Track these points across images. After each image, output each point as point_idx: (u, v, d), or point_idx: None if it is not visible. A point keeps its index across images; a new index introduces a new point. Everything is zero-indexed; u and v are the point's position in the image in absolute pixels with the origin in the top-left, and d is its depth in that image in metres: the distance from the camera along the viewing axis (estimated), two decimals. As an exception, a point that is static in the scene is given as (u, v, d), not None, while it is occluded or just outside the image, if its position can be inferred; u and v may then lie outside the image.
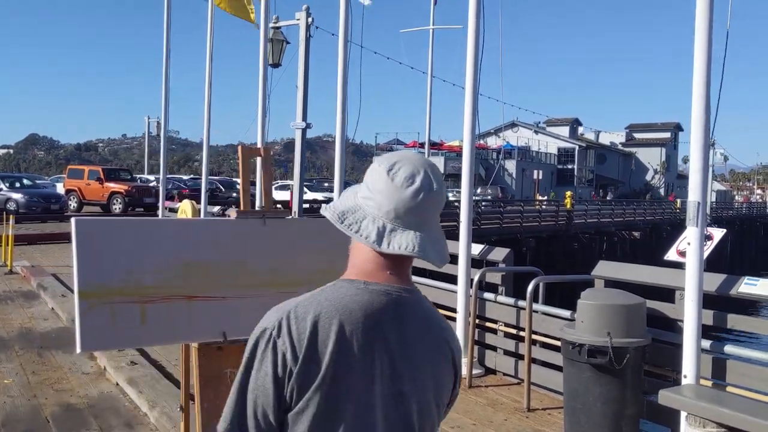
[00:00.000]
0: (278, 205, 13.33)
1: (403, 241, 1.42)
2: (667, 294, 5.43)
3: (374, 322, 1.39)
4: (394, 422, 1.41)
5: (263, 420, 1.36)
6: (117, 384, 6.33)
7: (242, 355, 1.40)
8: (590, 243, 31.21)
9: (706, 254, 4.82)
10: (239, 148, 2.56)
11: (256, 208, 3.20)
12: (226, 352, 2.45)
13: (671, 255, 5.32)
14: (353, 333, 1.37)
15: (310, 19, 17.31)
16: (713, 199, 53.81)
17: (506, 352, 6.95)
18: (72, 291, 8.03)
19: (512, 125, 66.59)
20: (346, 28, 10.28)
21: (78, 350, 2.12)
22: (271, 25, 15.85)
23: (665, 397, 4.43)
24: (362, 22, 10.42)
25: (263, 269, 2.46)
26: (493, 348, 7.08)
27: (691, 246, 4.71)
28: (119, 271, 2.14)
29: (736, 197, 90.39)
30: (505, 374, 6.87)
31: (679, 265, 5.12)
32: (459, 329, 6.96)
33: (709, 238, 5.03)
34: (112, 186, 28.39)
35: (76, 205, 28.81)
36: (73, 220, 2.12)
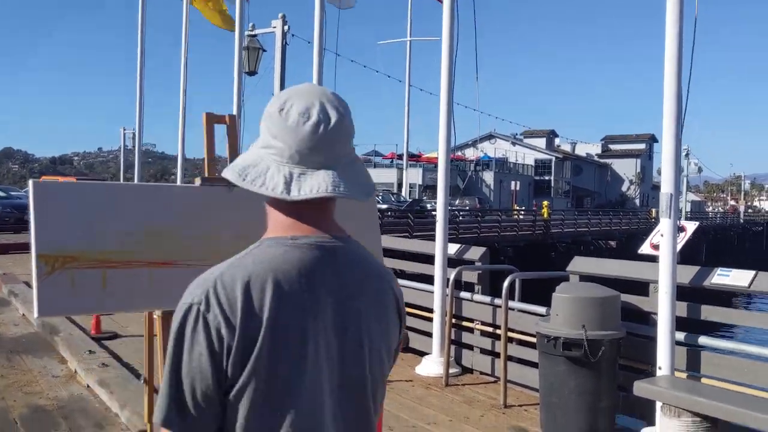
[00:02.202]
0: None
1: (314, 183, 1.29)
2: (642, 289, 5.46)
3: (311, 279, 1.28)
4: (344, 378, 1.31)
5: (205, 404, 1.22)
6: (87, 386, 6.22)
7: None
8: (567, 252, 31.35)
9: (679, 246, 4.84)
10: (203, 115, 2.52)
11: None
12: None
13: (645, 249, 5.34)
14: (289, 294, 1.25)
15: (286, 27, 17.33)
16: (688, 209, 54.35)
17: (483, 351, 6.92)
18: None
19: (489, 137, 66.95)
20: (320, 35, 10.27)
21: (35, 315, 2.06)
22: (246, 33, 15.81)
23: (640, 388, 4.43)
24: (337, 26, 10.40)
25: (228, 237, 2.39)
26: (470, 347, 7.05)
27: (664, 238, 4.74)
28: (79, 235, 2.09)
29: (713, 208, 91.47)
30: (481, 373, 6.84)
31: (654, 259, 5.14)
32: (436, 329, 6.94)
33: (682, 230, 5.05)
34: (87, 197, 27.94)
35: (50, 216, 28.34)
36: (30, 181, 2.07)
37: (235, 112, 16.45)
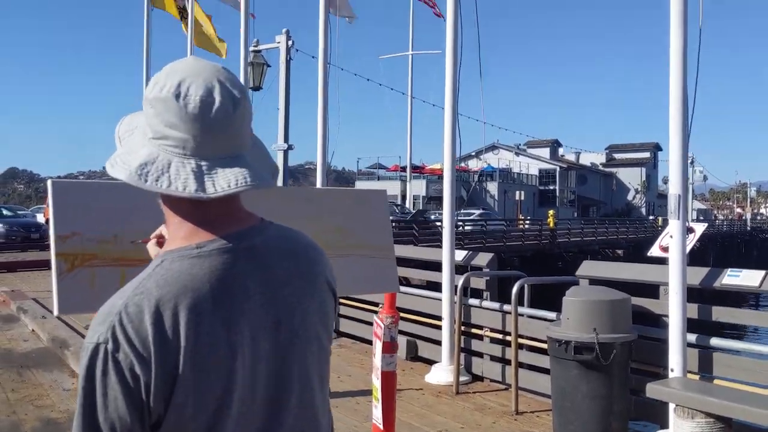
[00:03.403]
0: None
1: (230, 176, 1.14)
2: (652, 291, 5.44)
3: (226, 290, 1.16)
4: (285, 374, 1.23)
5: None
6: (99, 399, 6.22)
7: None
8: (574, 261, 31.22)
9: (689, 247, 4.84)
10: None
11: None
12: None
13: (654, 251, 5.34)
14: (204, 314, 1.13)
15: (290, 42, 17.42)
16: (693, 218, 54.21)
17: (493, 358, 6.90)
18: (52, 312, 7.93)
19: (493, 148, 66.97)
20: (325, 49, 10.30)
21: (55, 313, 2.07)
22: (251, 48, 15.86)
23: (653, 389, 4.42)
24: (338, 39, 10.45)
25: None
26: (480, 354, 7.03)
27: (673, 239, 4.73)
28: (98, 234, 2.09)
29: (719, 216, 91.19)
30: (492, 380, 6.82)
31: (663, 261, 5.13)
32: (445, 337, 6.93)
33: (690, 231, 5.05)
34: (93, 214, 27.99)
35: (56, 234, 28.39)
36: (49, 181, 2.08)
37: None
